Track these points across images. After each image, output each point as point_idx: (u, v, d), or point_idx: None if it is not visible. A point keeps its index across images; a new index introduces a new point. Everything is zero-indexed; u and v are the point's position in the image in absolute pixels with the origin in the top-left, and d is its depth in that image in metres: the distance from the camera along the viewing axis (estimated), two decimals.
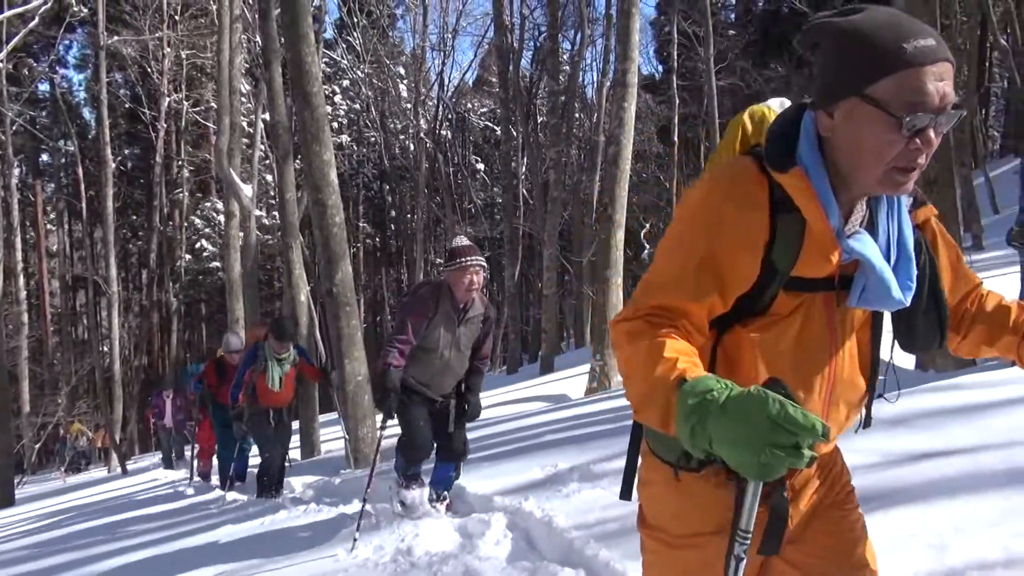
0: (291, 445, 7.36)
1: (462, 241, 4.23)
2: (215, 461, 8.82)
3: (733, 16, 30.74)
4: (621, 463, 1.40)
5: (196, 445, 9.44)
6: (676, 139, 21.69)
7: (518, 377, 17.56)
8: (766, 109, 1.35)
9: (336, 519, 4.69)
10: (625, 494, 1.44)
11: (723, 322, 1.23)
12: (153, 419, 13.49)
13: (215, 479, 8.46)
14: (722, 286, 1.18)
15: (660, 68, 32.15)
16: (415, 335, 4.04)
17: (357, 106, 32.77)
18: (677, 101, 21.34)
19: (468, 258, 4.04)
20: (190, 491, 8.23)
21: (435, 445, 4.36)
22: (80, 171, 30.16)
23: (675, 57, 21.58)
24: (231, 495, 7.12)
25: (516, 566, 3.28)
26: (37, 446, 22.26)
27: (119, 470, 16.19)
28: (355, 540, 3.92)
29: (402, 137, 30.72)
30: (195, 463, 9.43)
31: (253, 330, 6.87)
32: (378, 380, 4.05)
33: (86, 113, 35.00)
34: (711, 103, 10.33)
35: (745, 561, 1.11)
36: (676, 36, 21.50)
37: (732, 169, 1.22)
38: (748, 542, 1.10)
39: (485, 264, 4.13)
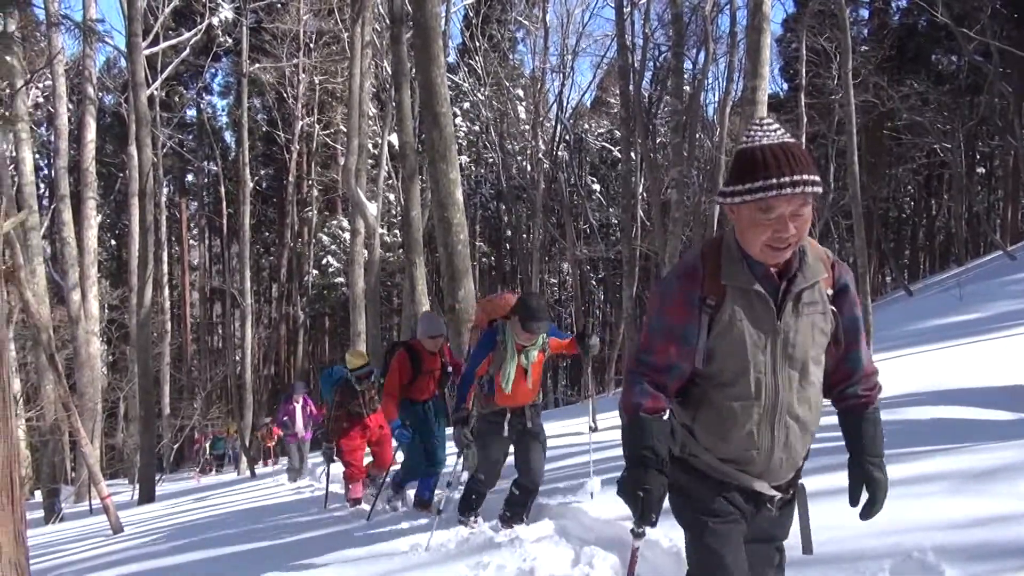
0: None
1: (758, 139, 1.75)
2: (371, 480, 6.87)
3: (867, 31, 29.40)
4: None
5: (338, 460, 7.02)
6: None
7: None
8: None
9: (479, 539, 4.52)
10: None
11: None
12: (281, 431, 12.21)
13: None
14: None
15: (785, 87, 31.18)
16: (679, 348, 1.84)
17: (476, 128, 33.53)
18: (804, 120, 20.53)
19: (778, 177, 1.68)
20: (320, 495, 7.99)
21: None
22: (222, 190, 32.45)
23: (803, 74, 20.81)
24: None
25: None
26: (175, 447, 23.75)
27: (248, 473, 17.01)
28: None
29: (520, 158, 31.12)
30: (329, 484, 7.46)
31: (488, 303, 4.86)
32: (625, 439, 1.87)
33: (227, 136, 37.69)
34: (849, 122, 9.84)
35: None
36: (804, 52, 20.75)
37: None
38: None
39: (819, 186, 1.69)
